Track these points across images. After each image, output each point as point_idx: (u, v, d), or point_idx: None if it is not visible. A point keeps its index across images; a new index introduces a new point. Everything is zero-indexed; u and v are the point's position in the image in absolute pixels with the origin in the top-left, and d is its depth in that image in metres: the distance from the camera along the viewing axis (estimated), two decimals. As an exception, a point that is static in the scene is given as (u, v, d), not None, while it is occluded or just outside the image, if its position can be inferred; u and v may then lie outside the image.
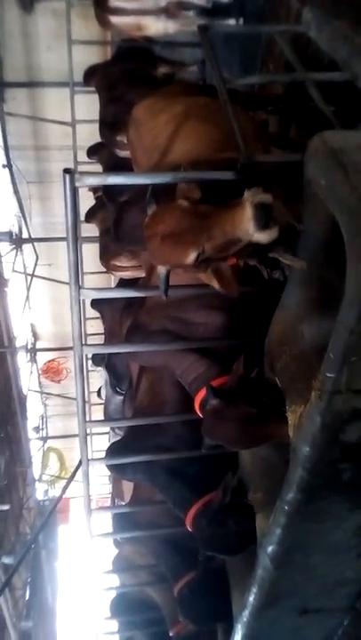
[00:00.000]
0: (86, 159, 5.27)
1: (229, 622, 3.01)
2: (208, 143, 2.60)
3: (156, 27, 4.63)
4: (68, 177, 2.01)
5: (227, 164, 2.23)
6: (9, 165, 7.32)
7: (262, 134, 2.93)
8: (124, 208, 2.92)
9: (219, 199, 2.15)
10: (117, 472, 3.42)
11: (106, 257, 4.19)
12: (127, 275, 4.16)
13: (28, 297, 8.34)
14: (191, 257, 2.13)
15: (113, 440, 4.52)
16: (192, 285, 2.64)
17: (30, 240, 7.82)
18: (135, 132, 3.23)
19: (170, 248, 2.15)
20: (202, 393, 2.54)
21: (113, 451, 3.22)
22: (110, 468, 3.42)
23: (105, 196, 4.32)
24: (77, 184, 2.05)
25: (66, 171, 2.02)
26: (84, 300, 4.73)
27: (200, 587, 3.20)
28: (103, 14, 4.60)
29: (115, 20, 4.60)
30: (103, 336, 5.03)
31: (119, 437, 3.61)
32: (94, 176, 2.62)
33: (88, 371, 5.94)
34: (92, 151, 5.06)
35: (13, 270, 7.89)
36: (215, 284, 2.23)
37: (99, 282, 6.80)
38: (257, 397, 2.26)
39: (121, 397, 4.49)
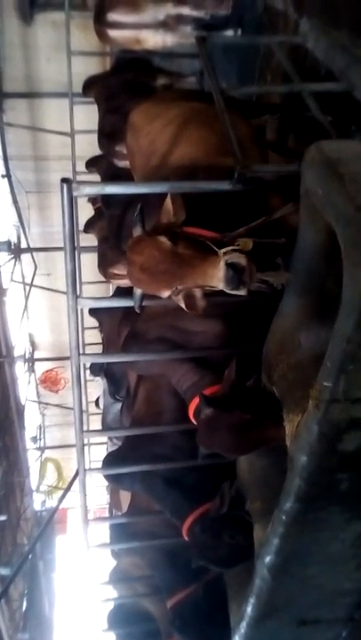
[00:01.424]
0: (85, 169, 5.29)
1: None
2: (205, 147, 2.62)
3: (154, 40, 4.66)
4: (65, 186, 2.02)
5: (224, 171, 2.25)
6: (8, 175, 7.34)
7: (259, 139, 2.95)
8: (128, 208, 2.96)
9: (211, 210, 2.19)
10: (114, 482, 3.41)
11: (104, 265, 4.20)
12: (125, 283, 4.17)
13: (26, 306, 8.34)
14: (164, 294, 2.26)
15: (110, 450, 4.51)
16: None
17: (29, 250, 7.83)
18: (132, 136, 3.24)
19: (146, 280, 2.24)
20: (195, 401, 2.54)
21: (110, 460, 3.21)
22: (107, 477, 3.41)
23: (104, 206, 4.33)
24: (75, 193, 2.06)
25: (64, 180, 2.03)
26: (81, 310, 4.73)
27: (196, 606, 3.17)
28: (102, 28, 4.63)
29: (113, 33, 4.63)
30: (101, 346, 5.03)
31: (117, 447, 3.60)
32: (92, 185, 2.63)
33: (86, 380, 5.93)
34: (91, 163, 5.09)
35: (12, 280, 7.90)
36: (182, 305, 2.30)
37: (97, 291, 6.81)
38: (251, 403, 2.26)
39: (119, 407, 4.48)
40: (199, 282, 2.17)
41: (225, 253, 2.09)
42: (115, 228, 3.41)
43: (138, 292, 2.32)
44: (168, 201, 2.21)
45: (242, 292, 2.10)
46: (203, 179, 2.44)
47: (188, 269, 2.15)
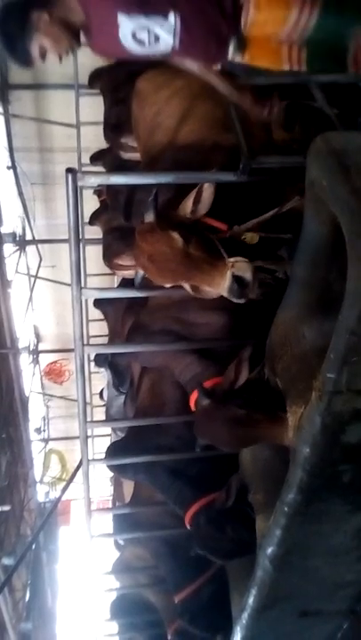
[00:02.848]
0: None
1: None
2: (211, 123, 2.60)
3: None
4: (70, 176, 2.03)
5: (229, 152, 2.26)
6: (13, 167, 7.32)
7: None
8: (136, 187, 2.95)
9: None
10: (118, 471, 3.42)
11: (109, 256, 4.19)
12: (130, 274, 4.16)
13: (31, 298, 8.34)
14: (167, 286, 2.37)
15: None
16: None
17: (34, 242, 7.82)
18: (137, 105, 3.19)
19: (153, 270, 2.31)
20: (196, 393, 2.54)
21: (113, 450, 3.22)
22: (111, 467, 3.42)
23: (109, 198, 4.32)
24: (80, 183, 2.07)
25: (68, 170, 2.04)
26: (86, 301, 4.73)
27: (204, 598, 3.19)
28: None
29: None
30: (107, 338, 5.03)
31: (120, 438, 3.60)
32: (96, 175, 2.63)
33: (90, 372, 5.93)
34: (96, 157, 5.07)
35: (17, 272, 7.90)
36: (188, 289, 2.37)
37: (102, 284, 6.80)
38: (249, 399, 2.26)
39: (122, 400, 4.49)
40: (204, 285, 2.26)
41: (233, 264, 2.17)
42: (123, 203, 3.35)
43: (140, 273, 2.37)
44: (193, 192, 2.23)
45: (241, 301, 2.20)
46: (207, 159, 2.44)
47: (196, 273, 2.23)
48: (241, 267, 2.16)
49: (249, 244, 2.31)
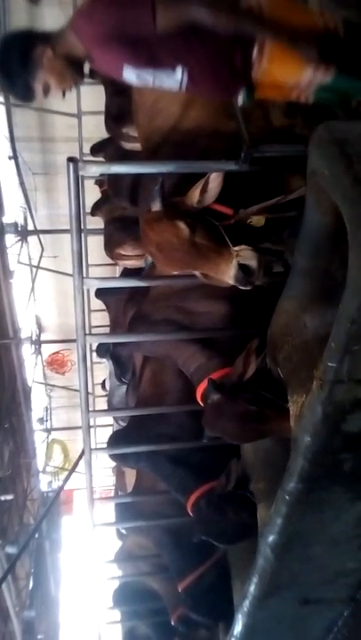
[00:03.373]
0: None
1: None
2: (212, 110, 2.57)
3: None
4: (71, 165, 2.02)
5: (230, 138, 2.25)
6: (15, 157, 7.30)
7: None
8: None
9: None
10: (120, 460, 3.44)
11: (110, 246, 4.20)
12: (131, 264, 4.17)
13: (33, 289, 8.34)
14: (175, 273, 2.41)
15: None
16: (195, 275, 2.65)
17: (36, 232, 7.81)
18: (138, 91, 3.12)
19: (160, 258, 2.35)
20: (204, 384, 2.55)
21: (115, 439, 3.23)
22: (112, 456, 3.44)
23: (110, 188, 4.31)
24: (81, 172, 2.07)
25: (70, 159, 2.04)
26: (88, 292, 4.72)
27: (207, 586, 3.22)
28: None
29: None
30: (108, 328, 5.04)
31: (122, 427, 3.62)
32: (98, 165, 2.63)
33: (92, 363, 5.95)
34: (97, 148, 5.05)
35: (19, 262, 7.90)
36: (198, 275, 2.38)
37: (104, 274, 6.80)
38: (258, 393, 2.27)
39: (124, 390, 4.50)
40: (211, 273, 2.29)
41: (238, 252, 2.22)
42: (127, 188, 3.32)
43: (149, 260, 2.52)
44: (201, 182, 2.24)
45: (247, 289, 2.24)
46: (208, 146, 2.43)
47: (203, 261, 2.27)
48: (246, 255, 2.21)
49: (255, 227, 2.35)
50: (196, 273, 2.37)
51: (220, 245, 2.24)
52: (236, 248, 2.22)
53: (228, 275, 2.24)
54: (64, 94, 2.21)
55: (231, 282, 2.25)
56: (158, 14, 1.89)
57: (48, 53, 2.11)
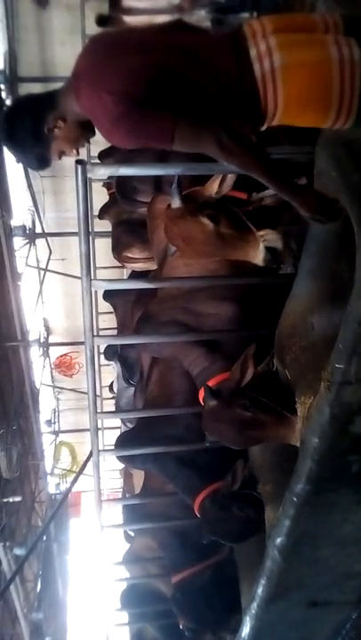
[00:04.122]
0: (98, 155, 5.26)
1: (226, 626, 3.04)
2: None
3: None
4: (80, 167, 2.03)
5: None
6: (23, 160, 7.32)
7: None
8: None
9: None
10: (127, 461, 3.44)
11: (118, 248, 4.20)
12: (139, 266, 4.18)
13: (41, 291, 8.36)
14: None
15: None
16: (203, 277, 2.66)
17: (44, 235, 7.83)
18: None
19: (189, 251, 2.43)
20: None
21: (123, 441, 3.24)
22: (120, 457, 3.44)
23: (118, 191, 4.32)
24: (89, 174, 2.07)
25: (78, 162, 2.05)
26: (95, 294, 4.73)
27: (199, 586, 3.21)
28: (117, 14, 4.60)
29: (129, 19, 4.59)
30: (116, 330, 5.05)
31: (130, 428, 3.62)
32: (106, 167, 2.64)
33: (100, 365, 5.96)
34: (105, 154, 5.05)
35: (27, 264, 7.91)
36: None
37: (112, 277, 6.81)
38: (255, 399, 2.27)
39: (132, 392, 4.51)
40: (239, 258, 2.40)
41: (263, 237, 2.32)
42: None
43: (172, 249, 2.51)
44: (218, 177, 2.30)
45: (275, 266, 2.37)
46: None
47: (231, 250, 2.37)
48: (271, 238, 2.32)
49: (271, 207, 2.43)
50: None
51: (245, 232, 2.34)
52: (261, 232, 2.32)
53: (257, 259, 2.35)
54: (78, 152, 2.17)
55: (261, 264, 2.36)
56: (175, 146, 1.85)
57: (60, 125, 2.04)
